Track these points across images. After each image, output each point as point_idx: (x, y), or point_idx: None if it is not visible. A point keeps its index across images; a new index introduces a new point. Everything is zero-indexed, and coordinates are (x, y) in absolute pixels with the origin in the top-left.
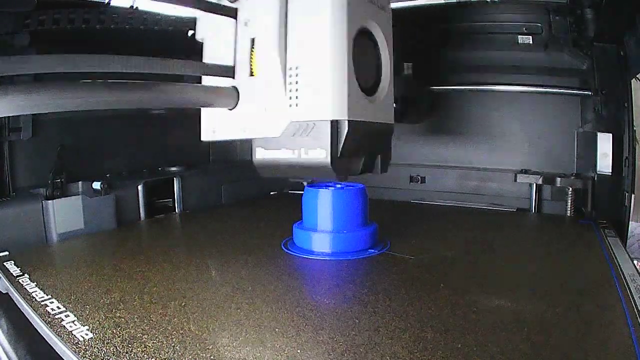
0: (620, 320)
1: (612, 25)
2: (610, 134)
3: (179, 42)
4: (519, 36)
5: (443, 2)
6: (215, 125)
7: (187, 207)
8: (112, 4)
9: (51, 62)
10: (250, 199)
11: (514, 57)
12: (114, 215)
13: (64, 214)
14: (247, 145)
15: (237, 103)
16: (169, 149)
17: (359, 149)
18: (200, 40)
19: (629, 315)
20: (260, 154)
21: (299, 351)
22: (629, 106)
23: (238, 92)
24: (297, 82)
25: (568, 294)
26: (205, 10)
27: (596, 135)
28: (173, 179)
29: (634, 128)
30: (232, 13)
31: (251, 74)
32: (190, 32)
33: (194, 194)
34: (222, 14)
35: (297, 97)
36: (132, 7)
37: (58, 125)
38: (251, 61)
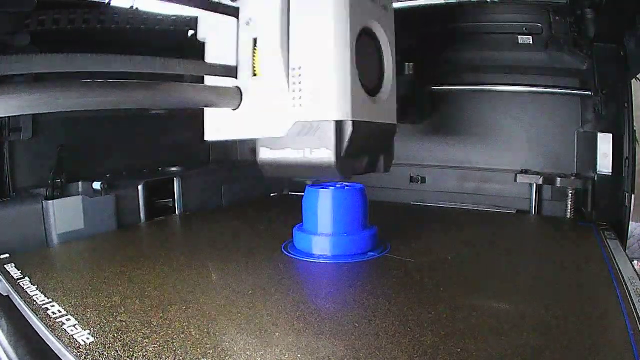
0: (619, 324)
1: (612, 25)
2: (610, 134)
3: (179, 41)
4: (519, 36)
5: (443, 2)
6: (219, 125)
7: (187, 207)
8: (112, 4)
9: (53, 61)
10: (250, 200)
11: (514, 57)
12: (114, 215)
13: (64, 214)
14: (246, 145)
15: (240, 103)
16: (169, 149)
17: (363, 148)
18: (202, 40)
19: (627, 319)
20: (265, 154)
21: (299, 355)
22: (629, 106)
23: (241, 92)
24: (300, 82)
25: (568, 297)
26: (206, 10)
27: (596, 135)
28: (173, 179)
29: (634, 128)
30: (233, 12)
31: (254, 74)
32: (191, 32)
33: (194, 194)
34: (223, 13)
35: (300, 97)
36: (132, 7)
37: (58, 125)
38: (254, 61)
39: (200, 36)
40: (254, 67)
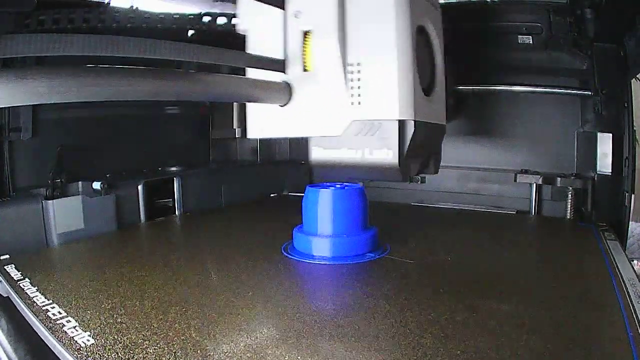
0: (619, 326)
1: (612, 25)
2: (610, 134)
3: (179, 41)
4: (519, 36)
5: (443, 2)
6: (265, 122)
7: (187, 207)
8: (112, 4)
9: (93, 44)
10: (250, 200)
11: (514, 57)
12: (114, 215)
13: (64, 214)
14: (247, 145)
15: (289, 99)
16: (169, 149)
17: (419, 149)
18: (243, 32)
19: (627, 321)
20: (319, 154)
21: (299, 357)
22: (629, 106)
23: (290, 88)
24: (359, 80)
25: (567, 299)
26: None
27: (596, 135)
28: (173, 179)
29: (634, 128)
30: (279, 3)
31: (304, 69)
32: (191, 32)
33: (194, 194)
34: (268, 3)
35: (359, 95)
36: (132, 7)
37: (58, 125)
38: (304, 55)
39: (241, 27)
40: (304, 61)
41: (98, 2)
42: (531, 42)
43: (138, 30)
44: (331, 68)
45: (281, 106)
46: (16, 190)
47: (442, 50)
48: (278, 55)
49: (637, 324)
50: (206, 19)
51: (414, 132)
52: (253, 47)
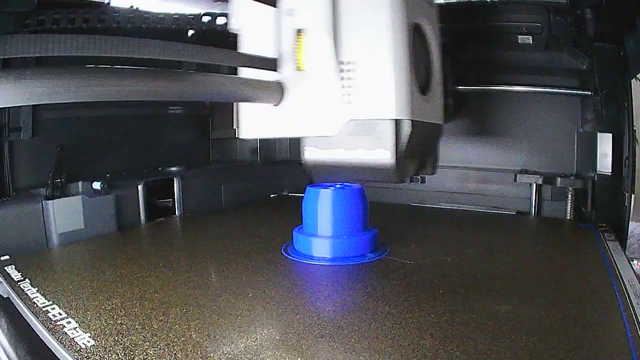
0: (618, 328)
1: (612, 25)
2: (610, 134)
3: (179, 42)
4: (519, 36)
5: (443, 2)
6: (257, 123)
7: (187, 207)
8: (112, 3)
9: (80, 44)
10: (250, 200)
11: (514, 57)
12: (114, 215)
13: (64, 214)
14: (247, 145)
15: (282, 99)
16: (169, 149)
17: (416, 149)
18: (236, 32)
19: (627, 322)
20: (313, 154)
21: (299, 359)
22: (629, 106)
23: (283, 88)
24: (351, 78)
25: (567, 300)
26: None
27: (596, 135)
28: (173, 179)
29: (634, 128)
30: (271, 1)
31: (298, 68)
32: (191, 32)
33: (194, 194)
34: (261, 2)
35: (351, 94)
36: (132, 7)
37: (58, 125)
38: (297, 54)
39: (234, 26)
40: (297, 60)
41: (98, 2)
42: (531, 42)
43: (137, 31)
44: (324, 66)
45: (274, 106)
46: (16, 190)
47: (439, 49)
48: (271, 54)
49: (637, 325)
50: (206, 18)
51: (410, 132)
52: (246, 46)
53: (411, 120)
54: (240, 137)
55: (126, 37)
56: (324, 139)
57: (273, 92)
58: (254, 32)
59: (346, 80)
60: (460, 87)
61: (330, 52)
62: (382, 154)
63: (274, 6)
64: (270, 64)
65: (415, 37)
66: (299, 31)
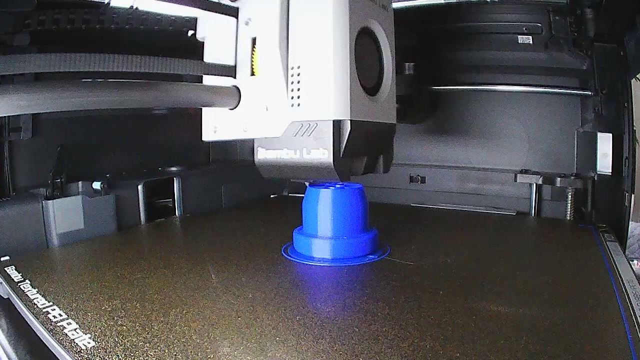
0: (618, 329)
1: (612, 25)
2: (610, 134)
3: (179, 42)
4: (519, 36)
5: (443, 2)
6: (217, 125)
7: (187, 207)
8: (112, 4)
9: (52, 61)
10: (251, 200)
11: (514, 57)
12: (114, 215)
13: (64, 214)
14: (247, 145)
15: (238, 103)
16: (169, 149)
17: (362, 149)
18: (201, 40)
19: (627, 323)
20: (262, 155)
21: None
22: (629, 106)
23: (239, 92)
24: (298, 82)
25: (567, 301)
26: (206, 10)
27: (596, 135)
28: (173, 179)
29: (634, 128)
30: (233, 12)
31: (252, 74)
32: (190, 32)
33: (194, 194)
34: (223, 14)
35: (299, 97)
36: (131, 7)
37: (58, 125)
38: (252, 61)
39: (199, 36)
40: (252, 66)
41: (98, 2)
42: (531, 42)
43: (137, 31)
44: (273, 71)
45: (231, 109)
46: (16, 190)
47: (393, 51)
48: (231, 61)
49: (637, 325)
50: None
51: (350, 132)
52: (209, 54)
53: (351, 120)
54: (203, 139)
55: (90, 54)
56: (272, 140)
57: (230, 97)
58: (216, 41)
59: (295, 84)
60: (460, 87)
61: (277, 57)
62: (322, 154)
63: (235, 17)
64: (229, 71)
65: (364, 40)
66: (254, 39)
